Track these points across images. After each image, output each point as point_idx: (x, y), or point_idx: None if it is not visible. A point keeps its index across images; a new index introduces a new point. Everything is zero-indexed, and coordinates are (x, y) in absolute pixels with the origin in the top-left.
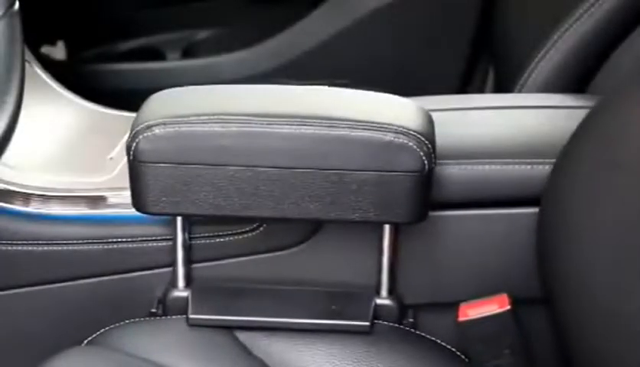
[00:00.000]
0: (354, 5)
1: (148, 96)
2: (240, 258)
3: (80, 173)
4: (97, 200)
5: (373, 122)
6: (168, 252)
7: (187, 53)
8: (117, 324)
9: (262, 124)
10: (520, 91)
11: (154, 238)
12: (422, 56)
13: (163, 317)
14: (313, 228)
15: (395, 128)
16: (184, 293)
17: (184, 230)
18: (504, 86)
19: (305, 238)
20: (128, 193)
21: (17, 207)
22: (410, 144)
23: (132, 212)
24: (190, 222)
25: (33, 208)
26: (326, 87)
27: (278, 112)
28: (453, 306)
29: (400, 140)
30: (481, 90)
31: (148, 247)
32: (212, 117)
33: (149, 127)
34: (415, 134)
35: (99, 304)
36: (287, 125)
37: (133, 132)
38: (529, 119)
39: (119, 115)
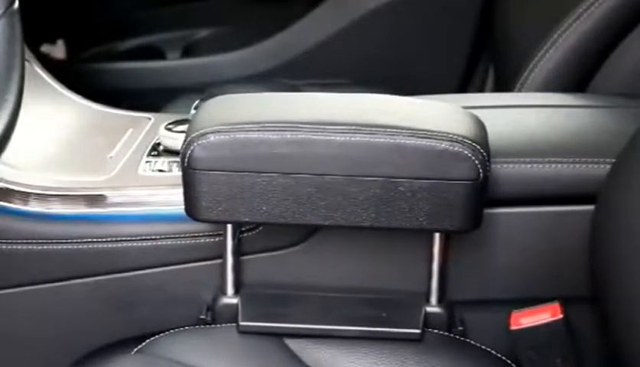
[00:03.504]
0: (353, 5)
1: (147, 95)
2: (240, 258)
3: (80, 172)
4: (97, 199)
5: (428, 130)
6: (169, 252)
7: (187, 52)
8: (167, 332)
9: (317, 131)
10: (520, 90)
11: (155, 237)
12: (422, 56)
13: (212, 325)
14: (313, 227)
15: (450, 136)
16: (234, 300)
17: (234, 237)
18: (503, 85)
19: (305, 237)
20: (128, 192)
21: (17, 206)
22: (465, 152)
23: (132, 210)
24: (240, 228)
25: (33, 207)
26: (380, 95)
27: (332, 120)
28: (504, 309)
29: (455, 148)
30: (480, 90)
31: (148, 246)
32: (267, 125)
33: (204, 134)
34: (470, 142)
35: (99, 303)
36: (342, 132)
37: (188, 139)
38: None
39: (119, 114)
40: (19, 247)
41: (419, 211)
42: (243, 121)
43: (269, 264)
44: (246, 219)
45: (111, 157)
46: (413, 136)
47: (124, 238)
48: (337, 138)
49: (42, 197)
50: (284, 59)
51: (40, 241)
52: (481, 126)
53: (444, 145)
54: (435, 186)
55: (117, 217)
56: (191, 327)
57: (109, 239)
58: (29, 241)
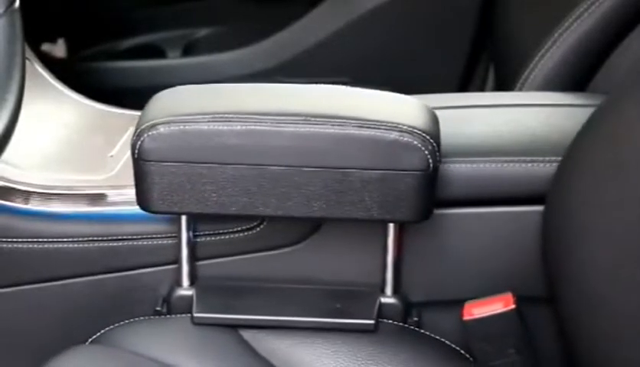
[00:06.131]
0: (353, 4)
1: (148, 94)
2: (240, 256)
3: (81, 171)
4: (98, 198)
5: (378, 121)
6: (170, 250)
7: (188, 51)
8: (121, 323)
9: (267, 122)
10: (520, 90)
11: (155, 236)
12: (422, 56)
13: (167, 316)
14: (313, 226)
15: (400, 126)
16: (189, 292)
17: (188, 229)
18: (504, 85)
19: (306, 236)
20: (129, 191)
21: (18, 205)
22: (415, 142)
23: (133, 209)
24: (194, 220)
25: (33, 206)
26: (331, 85)
27: (283, 111)
28: (458, 304)
29: (405, 138)
30: (481, 89)
31: (148, 244)
32: (217, 116)
33: (154, 125)
34: (420, 132)
35: (101, 302)
36: (292, 123)
37: (138, 131)
38: (532, 117)
39: (120, 112)
40: (20, 245)
41: (371, 202)
42: (193, 112)
43: (269, 262)
44: (198, 211)
45: (111, 156)
46: (362, 127)
47: (124, 237)
48: (287, 129)
49: (43, 196)
50: (284, 58)
51: (41, 239)
52: (433, 117)
53: (394, 136)
54: (386, 176)
55: (117, 216)
56: (146, 318)
57: (109, 238)
58: (30, 239)
